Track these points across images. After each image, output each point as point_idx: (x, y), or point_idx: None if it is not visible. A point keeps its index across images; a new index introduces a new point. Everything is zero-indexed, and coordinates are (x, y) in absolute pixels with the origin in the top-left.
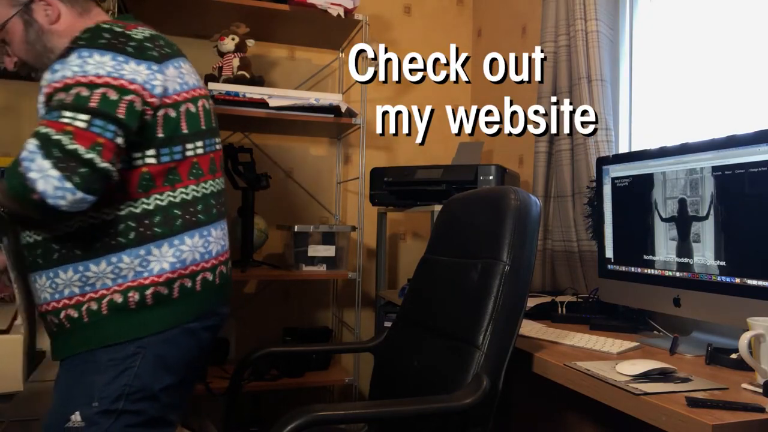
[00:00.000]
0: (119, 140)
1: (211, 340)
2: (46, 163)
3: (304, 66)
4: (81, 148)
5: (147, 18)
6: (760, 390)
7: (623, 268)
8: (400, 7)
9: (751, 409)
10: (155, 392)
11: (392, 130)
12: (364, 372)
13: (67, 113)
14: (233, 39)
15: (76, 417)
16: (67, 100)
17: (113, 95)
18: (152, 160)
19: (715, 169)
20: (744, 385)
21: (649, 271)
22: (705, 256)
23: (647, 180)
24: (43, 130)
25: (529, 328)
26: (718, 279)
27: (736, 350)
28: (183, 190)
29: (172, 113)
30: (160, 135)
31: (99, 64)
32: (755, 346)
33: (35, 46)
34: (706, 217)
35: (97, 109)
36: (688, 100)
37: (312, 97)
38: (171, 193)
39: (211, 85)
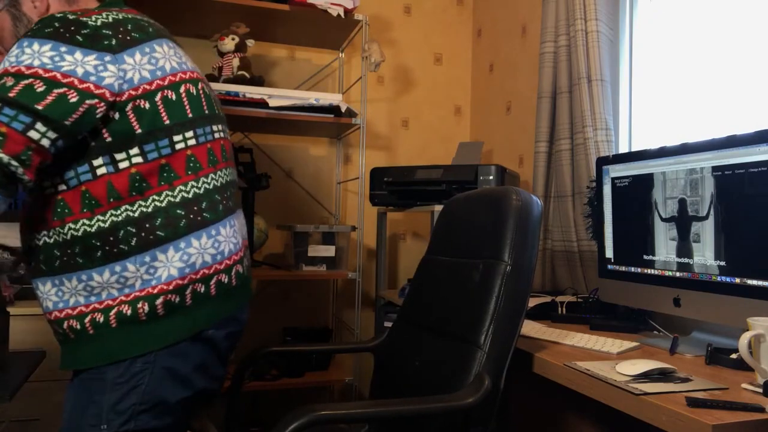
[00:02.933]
0: (34, 134)
1: (230, 348)
2: None
3: (304, 66)
4: None
5: None
6: (760, 390)
7: (623, 268)
8: (400, 7)
9: (751, 409)
10: (171, 406)
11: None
12: (364, 372)
13: None
14: (233, 39)
15: None
16: None
17: (40, 87)
18: (139, 159)
19: (715, 169)
20: (744, 385)
21: (649, 271)
22: (705, 256)
23: (647, 180)
24: None
25: (529, 328)
26: (718, 279)
27: (736, 350)
28: (182, 187)
29: (145, 104)
30: (139, 130)
31: (35, 54)
32: (755, 346)
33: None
34: (706, 217)
35: (13, 99)
36: (688, 100)
37: (312, 97)
38: (169, 192)
39: (211, 85)
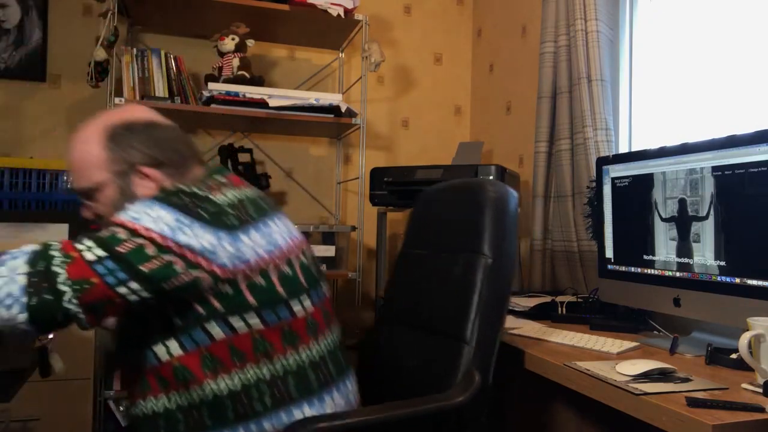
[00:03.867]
0: (123, 290)
1: None
2: (23, 268)
3: (304, 66)
4: (63, 275)
5: (147, 18)
6: (760, 390)
7: (623, 268)
8: (400, 7)
9: (751, 409)
10: None
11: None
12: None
13: (88, 242)
14: (233, 39)
15: None
16: (100, 233)
17: (150, 250)
18: (257, 323)
19: (715, 169)
20: (744, 385)
21: (649, 271)
22: (705, 256)
23: (647, 180)
24: (52, 242)
25: (529, 328)
26: (718, 279)
27: (736, 350)
28: (306, 349)
29: (260, 281)
30: (254, 303)
31: (156, 219)
32: (755, 346)
33: (119, 209)
34: (706, 217)
35: (118, 254)
36: (688, 100)
37: (312, 97)
38: (296, 355)
39: (211, 85)
